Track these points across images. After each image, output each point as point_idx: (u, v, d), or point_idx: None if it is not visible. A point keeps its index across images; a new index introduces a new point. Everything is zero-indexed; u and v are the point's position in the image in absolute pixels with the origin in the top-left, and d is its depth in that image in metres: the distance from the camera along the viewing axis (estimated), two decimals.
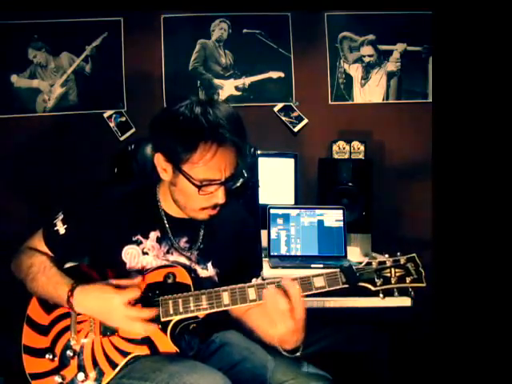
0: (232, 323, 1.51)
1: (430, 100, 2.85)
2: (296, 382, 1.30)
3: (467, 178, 1.20)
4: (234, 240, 1.52)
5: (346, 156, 2.65)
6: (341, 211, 2.43)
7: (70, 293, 1.31)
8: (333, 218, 2.42)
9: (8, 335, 1.43)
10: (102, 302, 1.29)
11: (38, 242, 1.46)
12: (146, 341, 1.33)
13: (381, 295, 1.30)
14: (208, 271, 1.47)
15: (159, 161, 1.38)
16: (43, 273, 1.38)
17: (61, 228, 1.44)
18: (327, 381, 1.33)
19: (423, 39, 2.84)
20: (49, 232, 1.46)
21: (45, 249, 1.45)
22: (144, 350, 1.32)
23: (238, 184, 1.40)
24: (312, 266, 2.21)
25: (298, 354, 1.31)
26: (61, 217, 1.45)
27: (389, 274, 1.30)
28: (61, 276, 1.37)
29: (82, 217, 1.45)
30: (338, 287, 1.30)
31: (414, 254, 1.32)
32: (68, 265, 1.49)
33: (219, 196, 1.35)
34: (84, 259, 1.51)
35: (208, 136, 1.29)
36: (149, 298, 1.34)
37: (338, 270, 1.31)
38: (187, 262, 1.45)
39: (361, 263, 1.32)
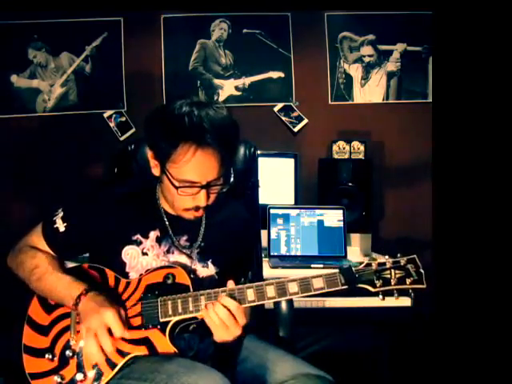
0: None
1: (430, 100, 2.86)
2: (296, 381, 1.29)
3: (467, 178, 1.20)
4: (234, 239, 1.52)
5: (346, 156, 2.65)
6: (341, 211, 2.43)
7: (84, 291, 1.31)
8: (333, 218, 2.42)
9: (8, 335, 1.43)
10: (95, 308, 1.28)
11: (38, 239, 1.46)
12: (145, 341, 1.33)
13: (380, 296, 1.30)
14: (208, 269, 1.47)
15: (150, 157, 1.39)
16: (51, 273, 1.38)
17: (60, 226, 1.43)
18: (327, 381, 1.33)
19: (423, 39, 2.85)
20: (48, 229, 1.45)
21: (45, 247, 1.45)
22: (143, 351, 1.32)
23: (224, 190, 1.39)
24: (312, 266, 2.22)
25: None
26: (61, 214, 1.45)
27: (389, 276, 1.30)
28: (71, 277, 1.37)
29: (82, 215, 1.45)
30: (337, 288, 1.30)
31: (414, 256, 1.32)
32: (69, 265, 1.49)
33: (201, 199, 1.35)
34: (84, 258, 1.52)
35: (188, 136, 1.28)
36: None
37: (337, 271, 1.31)
38: (188, 261, 1.45)
39: (361, 263, 1.32)
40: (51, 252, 1.45)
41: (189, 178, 1.32)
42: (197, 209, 1.39)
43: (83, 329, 1.30)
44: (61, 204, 1.49)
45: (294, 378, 1.30)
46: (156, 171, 1.40)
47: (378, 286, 1.30)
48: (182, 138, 1.29)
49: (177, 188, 1.33)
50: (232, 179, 1.40)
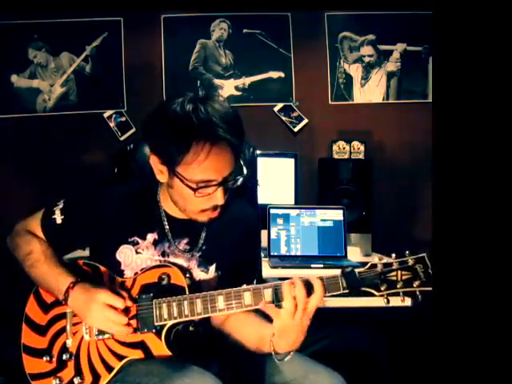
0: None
1: (430, 100, 2.86)
2: (305, 379, 1.27)
3: (468, 178, 1.20)
4: (237, 241, 1.48)
5: (346, 156, 2.65)
6: (341, 211, 2.43)
7: (71, 284, 1.31)
8: (333, 218, 2.42)
9: (8, 335, 1.43)
10: (88, 297, 1.28)
11: (36, 225, 1.45)
12: (141, 345, 1.31)
13: (384, 300, 1.23)
14: (208, 274, 1.43)
15: (155, 163, 1.34)
16: (44, 261, 1.37)
17: (58, 217, 1.42)
18: (337, 377, 1.29)
19: (423, 39, 2.85)
20: (46, 218, 1.44)
21: (41, 235, 1.45)
22: (139, 354, 1.30)
23: (239, 183, 1.34)
24: (312, 265, 2.22)
25: (288, 357, 1.26)
26: (60, 206, 1.44)
27: (395, 278, 1.23)
28: (62, 268, 1.36)
29: (80, 211, 1.44)
30: (338, 292, 1.24)
31: (423, 254, 1.24)
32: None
33: (218, 197, 1.31)
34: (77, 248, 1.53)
35: (200, 135, 1.23)
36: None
37: (338, 274, 1.24)
38: (184, 264, 1.42)
39: (365, 263, 1.25)
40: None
41: (205, 178, 1.27)
42: (215, 208, 1.34)
43: (89, 323, 1.30)
44: (63, 196, 1.48)
45: (304, 377, 1.28)
46: (162, 177, 1.35)
47: (382, 289, 1.22)
48: (193, 137, 1.23)
49: (195, 190, 1.28)
50: (245, 170, 1.36)
